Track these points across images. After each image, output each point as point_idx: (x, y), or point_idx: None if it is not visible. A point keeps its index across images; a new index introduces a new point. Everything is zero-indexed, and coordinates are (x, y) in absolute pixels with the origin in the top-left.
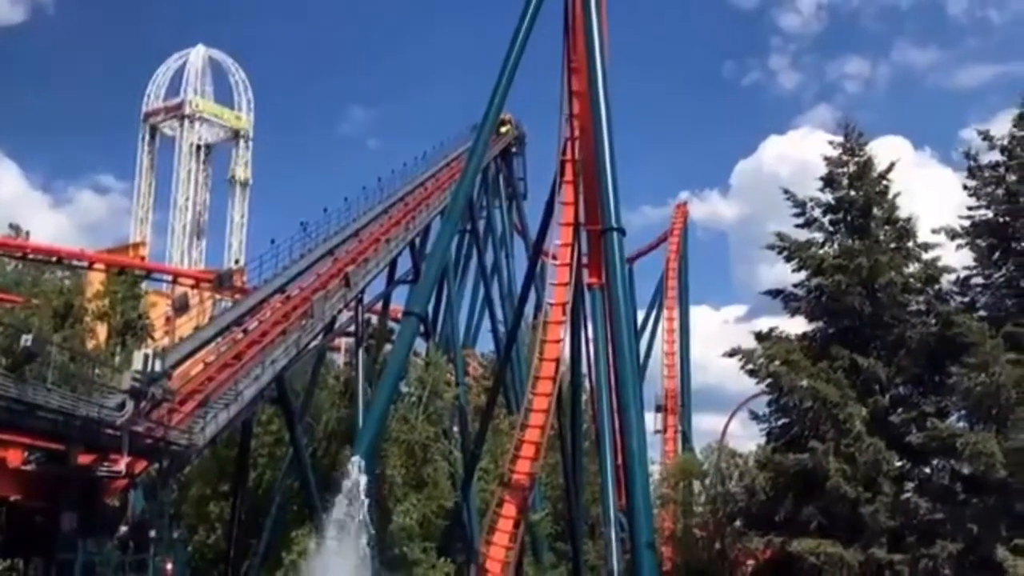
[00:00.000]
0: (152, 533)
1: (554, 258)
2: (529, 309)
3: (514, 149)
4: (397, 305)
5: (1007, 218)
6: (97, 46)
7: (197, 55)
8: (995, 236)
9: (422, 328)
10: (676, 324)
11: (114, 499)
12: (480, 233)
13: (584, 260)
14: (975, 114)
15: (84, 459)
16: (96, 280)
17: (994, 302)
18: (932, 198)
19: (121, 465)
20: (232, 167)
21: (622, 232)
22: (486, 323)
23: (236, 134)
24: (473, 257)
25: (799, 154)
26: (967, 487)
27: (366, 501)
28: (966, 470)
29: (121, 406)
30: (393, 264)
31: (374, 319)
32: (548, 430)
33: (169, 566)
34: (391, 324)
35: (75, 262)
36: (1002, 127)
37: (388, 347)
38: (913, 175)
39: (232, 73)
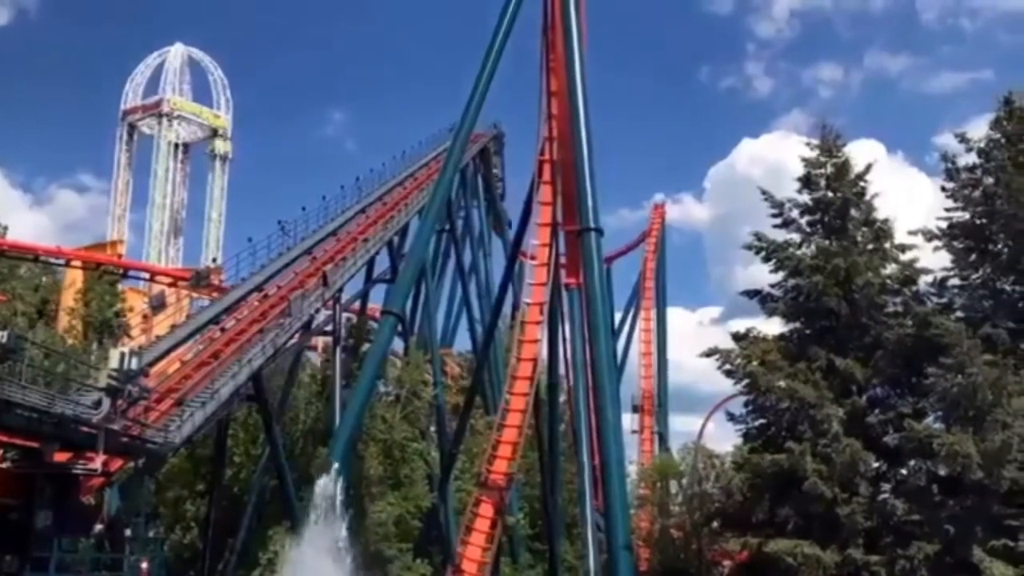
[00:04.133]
0: (128, 532)
1: (532, 258)
2: (507, 309)
3: (492, 149)
4: (375, 304)
5: (984, 220)
6: (78, 45)
7: (176, 53)
8: (972, 238)
9: (400, 327)
10: (653, 324)
11: (90, 497)
12: (458, 232)
13: (562, 260)
14: (947, 120)
15: (60, 457)
16: (73, 278)
17: (971, 303)
18: (905, 201)
19: (97, 463)
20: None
21: (600, 232)
22: (464, 323)
23: (214, 132)
24: (451, 256)
25: (772, 157)
26: (943, 488)
27: (341, 503)
28: (943, 471)
29: (97, 404)
30: (371, 263)
31: (352, 318)
32: (525, 430)
33: (145, 565)
34: (369, 323)
35: (52, 260)
36: (974, 132)
37: (366, 346)
38: (886, 178)
39: (211, 72)
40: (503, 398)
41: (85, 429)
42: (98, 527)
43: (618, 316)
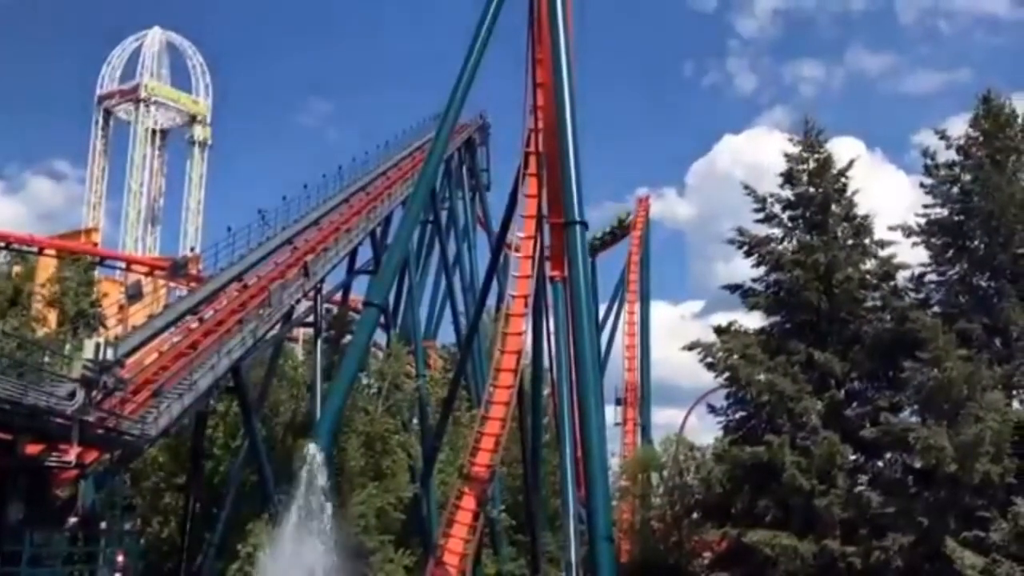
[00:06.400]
0: (103, 525)
1: (517, 250)
2: (491, 301)
3: (478, 140)
4: (357, 295)
5: (961, 217)
6: (54, 27)
7: (153, 37)
8: (949, 234)
9: (382, 319)
10: (637, 318)
11: (64, 490)
12: (442, 224)
13: (547, 253)
14: (925, 119)
15: (32, 449)
16: (47, 266)
17: (947, 299)
18: (884, 198)
19: (71, 455)
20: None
21: (585, 225)
22: (447, 315)
23: (193, 118)
24: (435, 248)
25: (753, 153)
26: (918, 480)
27: (324, 491)
28: (918, 464)
29: (72, 395)
30: (353, 254)
31: (334, 309)
32: (509, 423)
33: (121, 558)
34: (351, 315)
35: (24, 247)
36: (953, 130)
37: (347, 338)
38: (866, 175)
39: (190, 56)
40: (486, 391)
41: (59, 421)
42: (72, 520)
43: (602, 309)
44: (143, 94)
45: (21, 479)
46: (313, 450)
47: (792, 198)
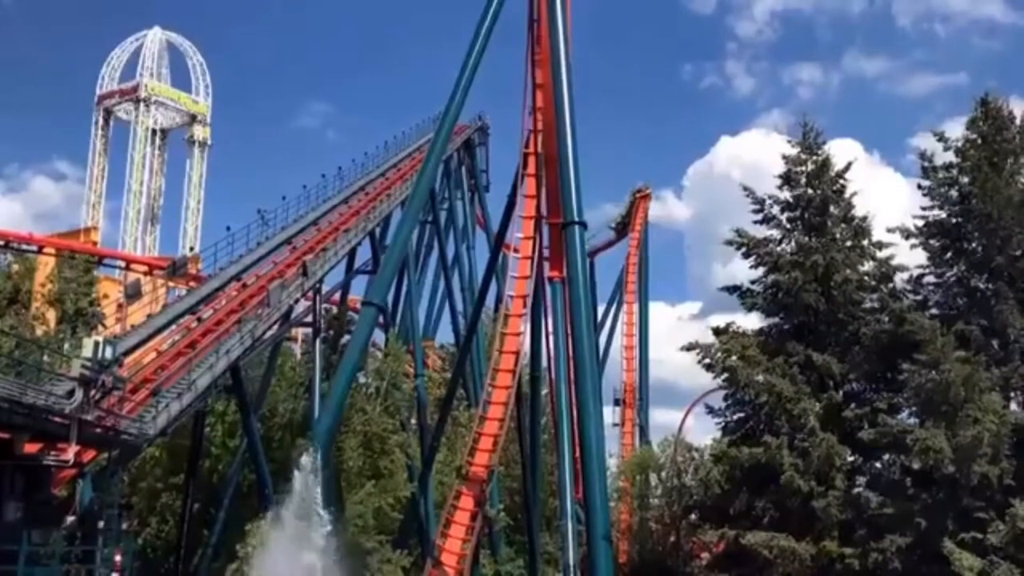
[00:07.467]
0: (100, 524)
1: (515, 251)
2: (490, 301)
3: (477, 140)
4: (356, 295)
5: (959, 219)
6: (55, 27)
7: (153, 37)
8: (947, 236)
9: (381, 319)
10: (635, 318)
11: (61, 489)
12: (441, 224)
13: (545, 253)
14: (922, 121)
15: (30, 448)
16: (47, 265)
17: (945, 300)
18: (881, 200)
19: (69, 454)
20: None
21: (583, 226)
22: (446, 315)
23: (193, 118)
24: (434, 248)
25: (751, 155)
26: (916, 482)
27: (320, 492)
28: (916, 465)
29: (70, 394)
30: (352, 254)
31: (333, 309)
32: (507, 423)
33: (118, 558)
34: (350, 314)
35: (23, 246)
36: (951, 132)
37: (346, 338)
38: (863, 177)
39: (190, 56)
40: (485, 391)
41: (57, 419)
42: (70, 519)
43: (601, 309)
44: (143, 94)
45: (19, 478)
46: (307, 462)
47: (790, 200)
